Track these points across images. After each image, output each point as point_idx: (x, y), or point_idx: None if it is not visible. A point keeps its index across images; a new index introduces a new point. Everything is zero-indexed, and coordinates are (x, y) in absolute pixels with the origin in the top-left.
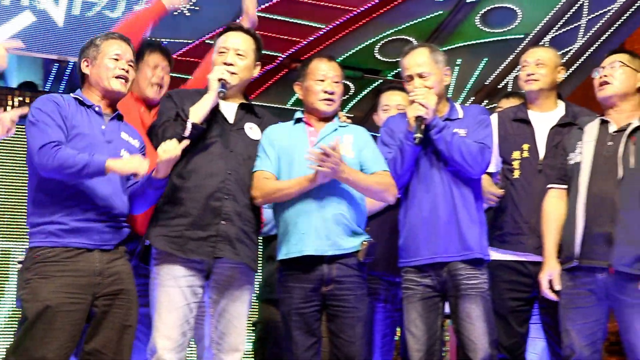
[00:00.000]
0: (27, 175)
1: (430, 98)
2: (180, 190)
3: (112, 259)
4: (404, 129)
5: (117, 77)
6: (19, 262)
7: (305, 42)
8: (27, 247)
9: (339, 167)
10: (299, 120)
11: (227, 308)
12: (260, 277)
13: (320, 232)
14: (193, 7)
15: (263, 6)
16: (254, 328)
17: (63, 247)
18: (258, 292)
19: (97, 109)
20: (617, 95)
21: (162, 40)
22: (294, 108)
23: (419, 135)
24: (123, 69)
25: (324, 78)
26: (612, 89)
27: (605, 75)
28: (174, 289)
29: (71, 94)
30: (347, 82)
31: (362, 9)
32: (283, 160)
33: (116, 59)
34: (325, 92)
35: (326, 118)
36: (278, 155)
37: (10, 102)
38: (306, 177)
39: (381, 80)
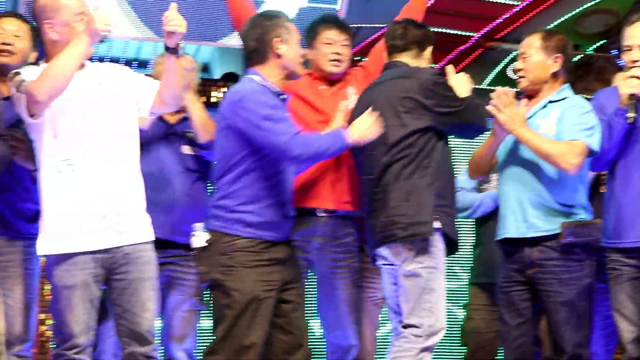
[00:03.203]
0: None
1: None
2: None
3: (291, 248)
4: (615, 104)
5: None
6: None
7: (499, 20)
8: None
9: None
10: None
11: None
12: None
13: (518, 215)
14: None
15: None
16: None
17: (259, 239)
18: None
19: (285, 96)
20: None
21: (356, 25)
22: (489, 88)
23: (632, 115)
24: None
25: None
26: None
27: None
28: None
29: (257, 79)
30: None
31: None
32: None
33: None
34: None
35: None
36: None
37: (214, 93)
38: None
39: (581, 56)
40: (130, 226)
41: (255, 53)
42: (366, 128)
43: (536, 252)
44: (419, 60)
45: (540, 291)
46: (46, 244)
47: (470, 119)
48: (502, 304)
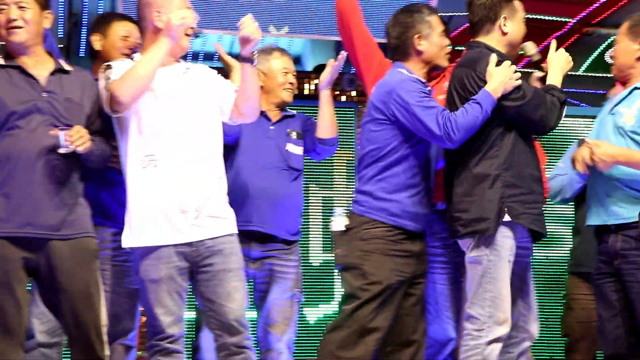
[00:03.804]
0: None
1: None
2: None
3: (423, 243)
4: None
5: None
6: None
7: (596, 6)
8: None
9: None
10: None
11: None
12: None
13: (600, 203)
14: None
15: None
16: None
17: (398, 229)
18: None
19: (429, 88)
20: None
21: (448, 14)
22: (586, 74)
23: None
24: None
25: None
26: None
27: None
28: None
29: (404, 71)
30: None
31: None
32: None
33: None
34: None
35: None
36: None
37: (307, 86)
38: None
39: None
40: (211, 220)
41: (397, 50)
42: (504, 79)
43: (619, 242)
44: (493, 35)
45: (625, 282)
46: (130, 238)
47: (530, 114)
48: (596, 297)
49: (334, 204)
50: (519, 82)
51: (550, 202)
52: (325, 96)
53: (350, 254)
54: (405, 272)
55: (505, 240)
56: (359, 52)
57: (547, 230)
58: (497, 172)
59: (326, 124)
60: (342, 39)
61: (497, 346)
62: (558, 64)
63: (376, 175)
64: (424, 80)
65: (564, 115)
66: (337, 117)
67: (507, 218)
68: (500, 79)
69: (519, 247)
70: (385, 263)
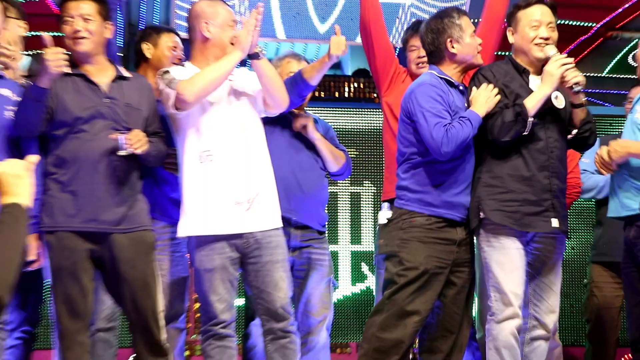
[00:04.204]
0: None
1: None
2: None
3: (467, 232)
4: None
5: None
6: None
7: (619, 11)
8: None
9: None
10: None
11: (544, 275)
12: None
13: (617, 194)
14: None
15: None
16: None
17: (436, 218)
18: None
19: (461, 87)
20: None
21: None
22: (610, 76)
23: None
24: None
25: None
26: None
27: None
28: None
29: (434, 72)
30: None
31: None
32: None
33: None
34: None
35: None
36: None
37: (346, 89)
38: None
39: None
40: (261, 213)
41: (432, 55)
42: (486, 100)
43: (633, 232)
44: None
45: None
46: (186, 227)
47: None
48: (623, 285)
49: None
50: (498, 97)
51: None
52: (315, 140)
53: (390, 243)
54: (445, 259)
55: (493, 233)
56: (378, 60)
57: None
58: (479, 175)
59: (326, 160)
60: (364, 46)
61: (510, 323)
62: (478, 100)
63: (408, 171)
64: (455, 81)
65: (520, 131)
66: (367, 115)
67: (482, 215)
68: (482, 100)
69: (529, 241)
70: (422, 250)
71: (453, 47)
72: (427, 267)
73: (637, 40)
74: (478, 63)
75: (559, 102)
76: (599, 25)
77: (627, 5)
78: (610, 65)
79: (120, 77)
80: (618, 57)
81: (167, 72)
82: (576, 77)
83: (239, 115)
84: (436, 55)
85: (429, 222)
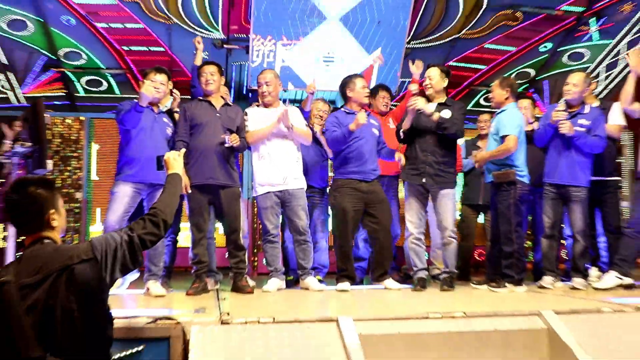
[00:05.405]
0: None
1: None
2: None
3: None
4: None
5: None
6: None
7: (478, 74)
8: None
9: None
10: None
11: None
12: None
13: (489, 169)
14: None
15: None
16: None
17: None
18: None
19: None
20: None
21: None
22: (470, 109)
23: None
24: None
25: None
26: None
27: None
28: None
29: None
30: None
31: None
32: None
33: None
34: None
35: None
36: None
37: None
38: None
39: None
40: (292, 182)
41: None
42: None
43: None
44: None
45: None
46: (257, 189)
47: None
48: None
49: None
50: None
51: None
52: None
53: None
54: (356, 202)
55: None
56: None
57: None
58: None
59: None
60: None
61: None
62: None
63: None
64: (351, 110)
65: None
66: None
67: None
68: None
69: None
70: (343, 200)
71: (349, 94)
72: (347, 209)
73: (484, 90)
74: (364, 103)
75: (435, 117)
76: (466, 83)
77: (484, 69)
78: (472, 103)
79: (226, 104)
80: (475, 99)
81: (246, 114)
82: (415, 105)
83: (283, 135)
84: (344, 97)
85: (344, 183)
